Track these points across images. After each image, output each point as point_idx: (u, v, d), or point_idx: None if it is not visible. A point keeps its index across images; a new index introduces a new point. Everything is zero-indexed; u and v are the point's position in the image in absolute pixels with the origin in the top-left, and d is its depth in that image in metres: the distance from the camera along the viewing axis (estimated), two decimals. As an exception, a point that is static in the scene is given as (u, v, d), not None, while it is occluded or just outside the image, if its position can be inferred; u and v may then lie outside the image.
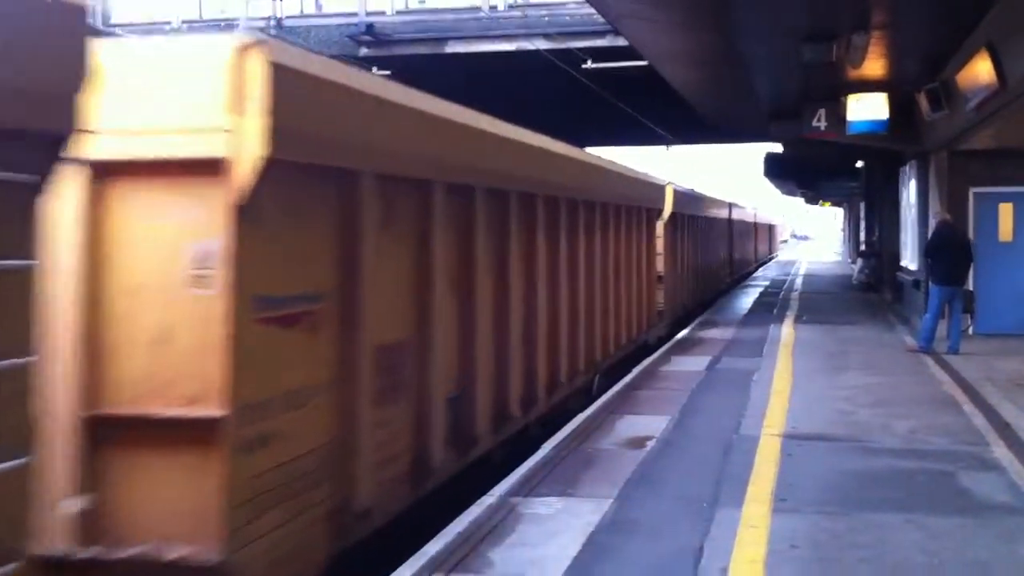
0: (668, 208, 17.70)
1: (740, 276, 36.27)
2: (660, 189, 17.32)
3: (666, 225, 17.78)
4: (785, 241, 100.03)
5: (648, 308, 16.31)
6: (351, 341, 5.67)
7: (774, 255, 66.05)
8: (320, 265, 5.46)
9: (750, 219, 42.42)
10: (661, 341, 17.01)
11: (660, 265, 17.55)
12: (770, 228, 63.79)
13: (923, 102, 14.79)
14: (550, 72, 19.50)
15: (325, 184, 5.48)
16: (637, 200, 15.04)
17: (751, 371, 12.94)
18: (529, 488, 7.29)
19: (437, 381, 6.86)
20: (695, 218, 21.98)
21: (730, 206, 31.96)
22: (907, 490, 7.26)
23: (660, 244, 17.52)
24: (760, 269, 47.10)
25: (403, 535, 6.32)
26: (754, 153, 45.88)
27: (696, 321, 20.50)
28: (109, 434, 4.62)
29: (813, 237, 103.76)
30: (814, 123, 17.43)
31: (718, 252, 28.40)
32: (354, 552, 5.69)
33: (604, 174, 12.99)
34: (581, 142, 18.08)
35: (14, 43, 3.08)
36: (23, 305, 3.27)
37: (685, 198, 20.15)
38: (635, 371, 13.29)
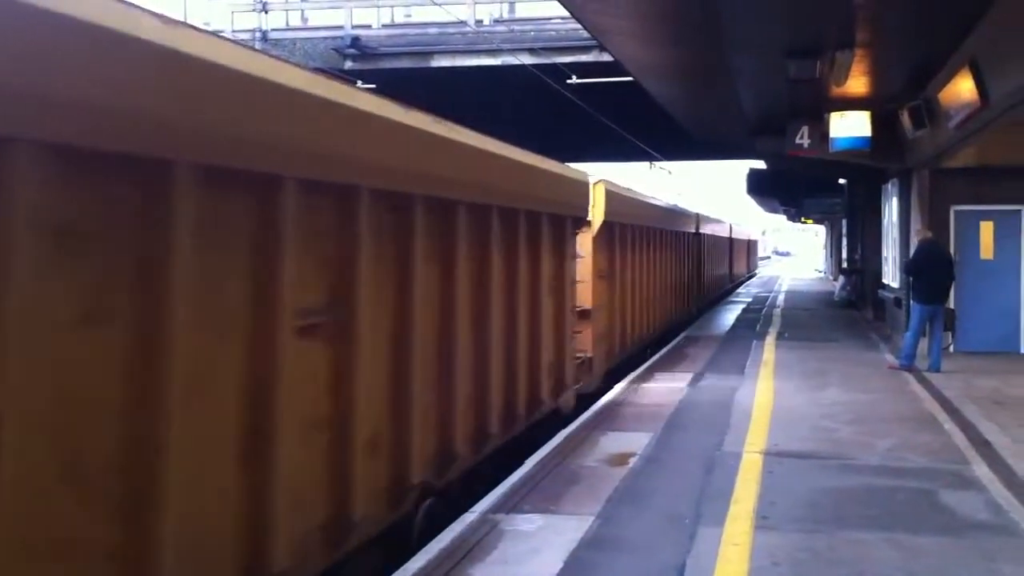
0: (598, 215, 13.03)
1: (714, 299, 32.28)
2: (580, 187, 11.71)
3: (596, 239, 13.09)
4: (768, 258, 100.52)
5: (556, 364, 10.43)
6: None
7: (754, 273, 62.03)
8: None
9: (724, 234, 37.33)
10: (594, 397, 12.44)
11: (586, 295, 12.67)
12: (748, 244, 57.39)
13: (906, 120, 14.89)
14: (535, 87, 19.54)
15: None
16: (529, 200, 9.22)
17: (733, 388, 12.96)
18: (511, 505, 7.27)
19: None
20: (646, 231, 17.30)
21: (698, 218, 27.15)
22: (888, 508, 7.28)
23: (583, 266, 12.45)
24: (738, 289, 42.89)
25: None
26: (740, 171, 45.28)
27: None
28: None
29: (794, 254, 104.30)
30: (797, 140, 17.52)
31: (683, 273, 23.46)
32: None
33: (447, 149, 7.04)
34: (566, 158, 18.07)
35: None
36: None
37: (627, 204, 15.34)
38: (617, 388, 13.29)
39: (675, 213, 22.24)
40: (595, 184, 12.93)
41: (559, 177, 10.60)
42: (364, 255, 5.70)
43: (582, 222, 11.86)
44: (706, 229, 29.07)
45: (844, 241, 35.94)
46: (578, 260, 11.81)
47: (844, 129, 16.53)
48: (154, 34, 3.76)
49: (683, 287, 23.40)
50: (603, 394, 12.71)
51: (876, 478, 8.20)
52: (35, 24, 3.24)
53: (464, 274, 7.59)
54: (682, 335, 20.80)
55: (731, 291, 39.59)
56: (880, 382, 13.60)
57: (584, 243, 12.61)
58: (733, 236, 41.61)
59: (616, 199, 14.17)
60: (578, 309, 11.79)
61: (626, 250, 15.45)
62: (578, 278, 11.70)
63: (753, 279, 55.21)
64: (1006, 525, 6.90)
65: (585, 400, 12.05)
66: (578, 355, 12.03)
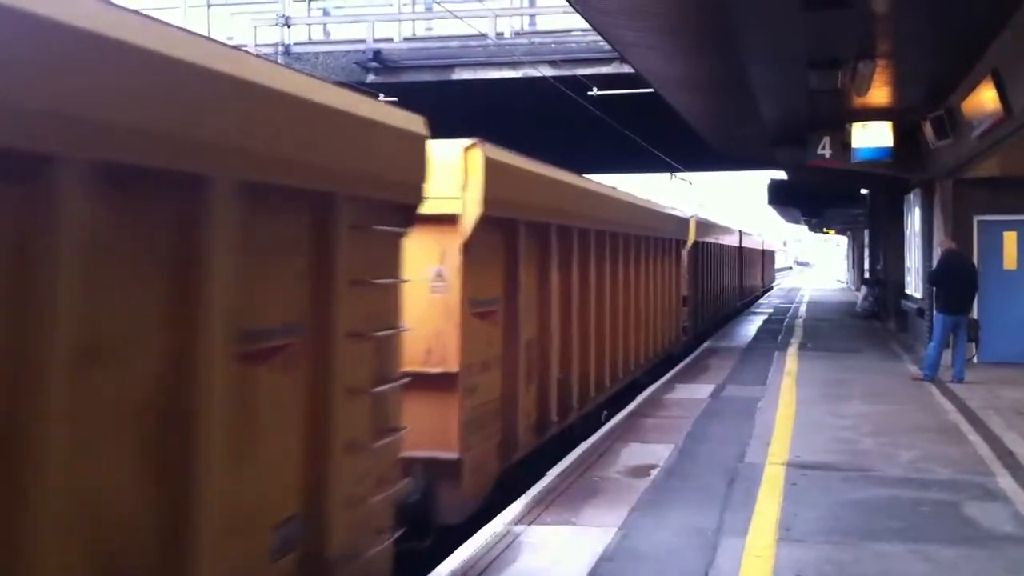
0: (473, 205, 7.40)
1: (718, 321, 26.75)
2: (396, 140, 5.59)
3: (470, 247, 7.43)
4: (789, 268, 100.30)
5: (308, 517, 4.68)
6: None
7: (770, 287, 56.75)
8: None
9: (731, 243, 31.40)
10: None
11: (448, 350, 7.33)
12: (763, 255, 50.43)
13: (928, 130, 14.83)
14: (556, 99, 19.58)
15: None
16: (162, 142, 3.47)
17: (755, 399, 12.93)
18: (533, 516, 7.28)
19: None
20: (593, 236, 11.51)
21: (694, 223, 21.40)
22: (912, 520, 7.24)
23: (444, 296, 7.39)
24: (751, 307, 37.50)
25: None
26: (761, 182, 44.45)
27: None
28: None
29: (816, 264, 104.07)
30: (819, 150, 17.49)
31: (666, 294, 17.34)
32: None
33: None
34: (586, 169, 18.08)
35: None
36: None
37: (542, 191, 9.55)
38: (639, 399, 13.28)
39: (650, 213, 16.18)
40: (467, 149, 7.37)
41: (312, 107, 4.63)
42: None
43: (412, 213, 5.79)
44: (707, 237, 24.14)
45: (866, 251, 35.79)
46: (432, 285, 7.27)
47: (866, 139, 16.49)
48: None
49: (665, 315, 17.35)
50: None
51: (900, 490, 8.16)
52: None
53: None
54: (703, 346, 20.75)
55: (741, 311, 33.81)
56: (903, 393, 13.53)
57: (446, 253, 7.33)
58: (744, 246, 36.28)
59: (515, 179, 8.43)
60: (426, 373, 6.99)
61: (548, 265, 9.65)
62: (424, 320, 6.99)
63: (771, 292, 53.46)
64: (1031, 537, 6.86)
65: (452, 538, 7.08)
66: (435, 456, 7.13)
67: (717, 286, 26.85)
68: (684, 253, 20.09)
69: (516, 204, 8.55)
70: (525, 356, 8.88)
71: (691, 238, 20.80)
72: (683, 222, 20.09)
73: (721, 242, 27.98)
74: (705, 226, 23.86)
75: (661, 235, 16.89)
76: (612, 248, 12.67)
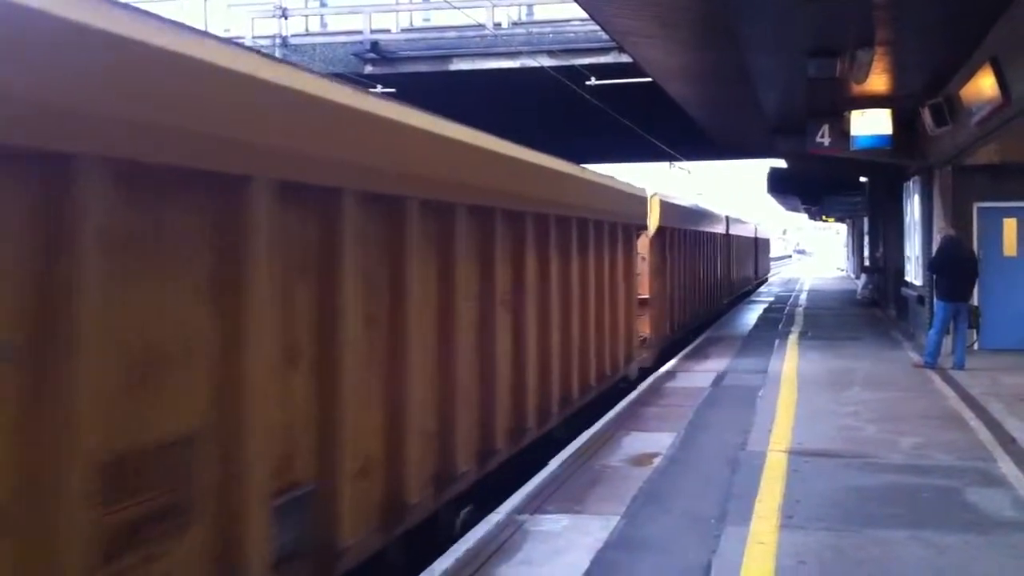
0: None
1: (696, 326, 22.11)
2: None
3: None
4: (788, 256, 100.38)
5: None
6: None
7: (765, 278, 52.05)
8: None
9: (716, 230, 26.87)
10: None
11: None
12: (756, 243, 44.38)
13: (927, 117, 14.81)
14: (554, 89, 19.58)
15: None
16: None
17: (757, 387, 12.96)
18: (536, 505, 7.31)
19: None
20: (442, 212, 6.75)
21: (657, 204, 16.68)
22: (913, 506, 7.27)
23: None
24: (742, 302, 32.96)
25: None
26: (760, 170, 44.05)
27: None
28: None
29: (815, 252, 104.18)
30: (818, 139, 17.46)
31: (608, 298, 12.32)
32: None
33: None
34: (585, 158, 18.08)
35: None
36: None
37: (241, 88, 4.20)
38: (641, 387, 13.30)
39: (565, 181, 10.40)
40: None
41: None
42: None
43: None
44: (678, 222, 19.30)
45: (866, 239, 35.79)
46: None
47: (865, 127, 16.45)
48: None
49: (607, 329, 12.29)
50: None
51: (901, 476, 8.19)
52: None
53: None
54: (702, 336, 20.75)
55: (728, 309, 29.07)
56: (904, 380, 13.56)
57: None
58: (732, 233, 31.49)
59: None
60: None
61: (243, 264, 4.39)
62: None
63: (770, 282, 52.04)
64: (1033, 522, 6.88)
65: None
66: None
67: (694, 283, 22.13)
68: (644, 243, 16.02)
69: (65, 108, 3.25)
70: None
71: (653, 223, 16.35)
72: (638, 201, 14.86)
73: (700, 229, 23.23)
74: (674, 209, 18.77)
75: (596, 217, 11.70)
76: (482, 232, 7.71)
